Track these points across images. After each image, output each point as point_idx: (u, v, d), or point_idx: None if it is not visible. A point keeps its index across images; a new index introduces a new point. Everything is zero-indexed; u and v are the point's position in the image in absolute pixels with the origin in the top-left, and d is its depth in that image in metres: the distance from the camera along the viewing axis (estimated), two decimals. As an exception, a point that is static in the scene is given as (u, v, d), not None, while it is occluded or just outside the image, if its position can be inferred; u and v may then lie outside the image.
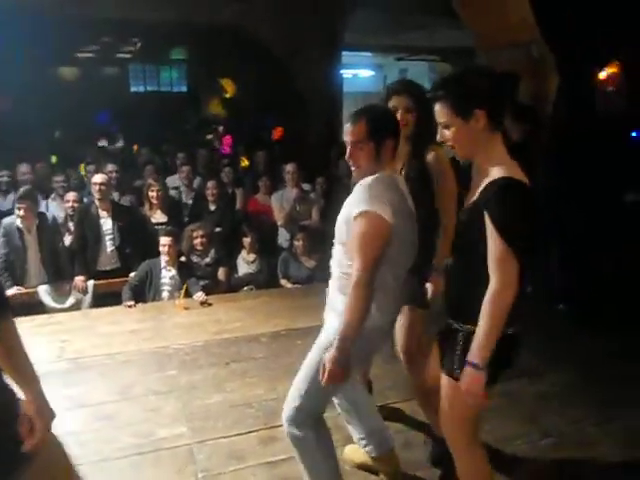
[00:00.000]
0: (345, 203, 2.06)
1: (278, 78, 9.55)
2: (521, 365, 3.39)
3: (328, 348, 1.98)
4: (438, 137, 1.88)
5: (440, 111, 1.81)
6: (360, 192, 1.97)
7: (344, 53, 10.77)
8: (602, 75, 6.88)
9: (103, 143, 11.20)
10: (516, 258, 1.69)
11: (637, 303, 4.17)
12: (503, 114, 1.83)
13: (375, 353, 2.24)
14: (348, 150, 2.07)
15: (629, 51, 6.41)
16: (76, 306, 4.88)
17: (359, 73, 16.26)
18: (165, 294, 4.82)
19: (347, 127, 2.05)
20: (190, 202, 6.01)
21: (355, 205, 1.95)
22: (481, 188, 1.78)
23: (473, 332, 1.78)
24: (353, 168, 2.09)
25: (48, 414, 1.50)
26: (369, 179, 2.00)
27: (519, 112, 4.24)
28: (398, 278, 2.07)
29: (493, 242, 1.71)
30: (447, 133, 1.82)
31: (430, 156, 2.44)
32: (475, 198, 1.81)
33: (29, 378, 1.41)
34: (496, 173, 1.75)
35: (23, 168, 6.05)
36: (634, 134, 5.84)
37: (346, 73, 13.83)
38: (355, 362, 2.00)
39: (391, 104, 2.46)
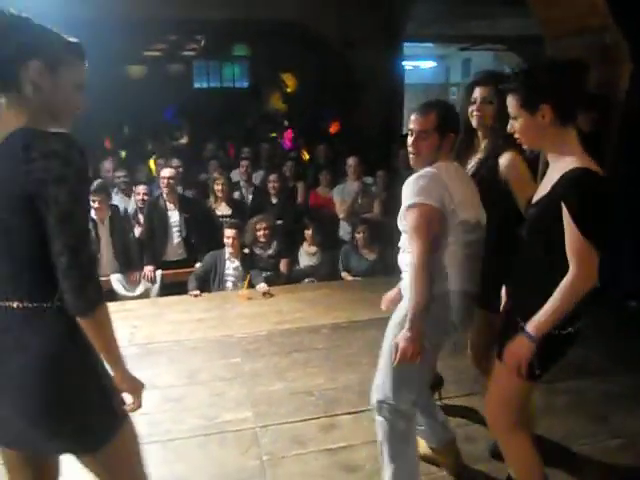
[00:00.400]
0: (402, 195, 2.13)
1: (338, 71, 9.57)
2: (590, 364, 3.38)
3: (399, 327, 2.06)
4: (509, 128, 1.89)
5: (510, 103, 1.85)
6: (409, 185, 2.07)
7: (405, 44, 10.67)
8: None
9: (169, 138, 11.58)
10: (596, 251, 1.69)
11: None
12: (573, 109, 1.81)
13: (445, 335, 2.22)
14: (412, 138, 2.14)
15: None
16: (145, 294, 5.10)
17: (421, 65, 16.08)
18: (229, 284, 4.97)
19: (415, 117, 2.14)
20: (250, 196, 6.14)
21: (406, 198, 2.07)
22: (554, 181, 1.77)
23: (561, 334, 1.81)
24: (412, 156, 2.16)
25: (139, 384, 1.62)
26: (420, 172, 2.09)
27: (588, 101, 4.10)
28: (469, 252, 2.11)
29: (572, 234, 1.70)
30: (516, 124, 1.85)
31: (503, 159, 2.33)
32: (547, 191, 1.80)
33: (117, 356, 1.52)
34: (570, 164, 1.73)
35: (106, 166, 6.35)
36: None
37: (407, 65, 13.69)
38: (427, 341, 2.03)
39: (474, 95, 2.43)
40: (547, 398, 3.05)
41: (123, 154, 8.89)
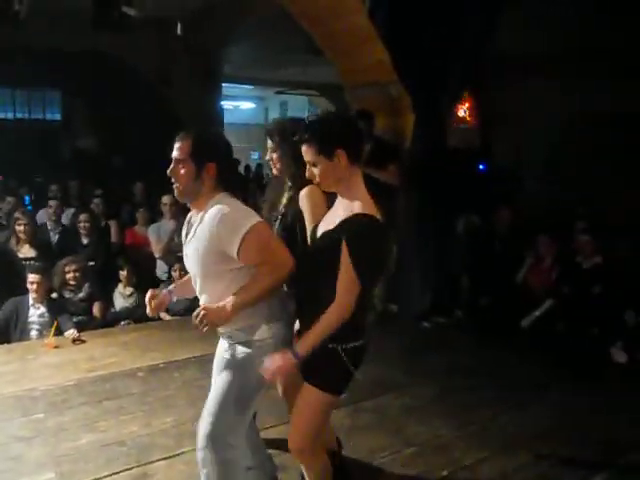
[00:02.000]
0: None
1: (155, 107, 9.45)
2: (390, 381, 3.73)
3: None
4: (307, 174, 2.06)
5: (307, 152, 2.02)
6: (225, 223, 2.03)
7: (225, 85, 10.94)
8: (460, 113, 7.64)
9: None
10: (360, 286, 1.93)
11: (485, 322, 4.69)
12: (361, 150, 2.06)
13: None
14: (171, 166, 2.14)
15: (480, 91, 7.20)
16: None
17: (240, 105, 16.53)
18: (34, 333, 4.57)
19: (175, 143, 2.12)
20: (56, 236, 5.76)
21: (232, 233, 2.02)
22: (341, 219, 1.97)
23: (347, 348, 2.00)
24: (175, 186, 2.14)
25: None
26: (219, 208, 2.05)
27: (379, 160, 4.51)
28: None
29: (346, 270, 1.91)
30: (315, 171, 2.02)
31: (302, 191, 2.47)
32: (333, 227, 1.99)
33: None
34: (356, 208, 1.95)
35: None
36: (481, 166, 6.56)
37: (227, 105, 13.99)
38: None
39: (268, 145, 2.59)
40: (353, 418, 3.30)
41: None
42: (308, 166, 2.05)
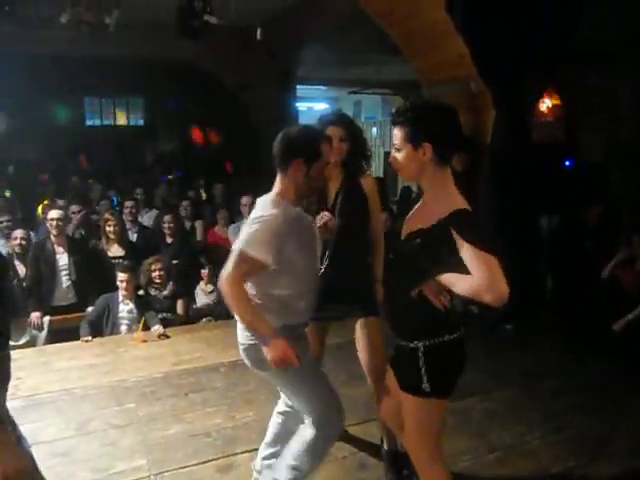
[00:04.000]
0: None
1: (234, 112, 9.73)
2: (473, 384, 3.64)
3: None
4: (390, 157, 2.05)
5: (396, 135, 1.98)
6: None
7: (299, 87, 11.08)
8: (542, 107, 7.34)
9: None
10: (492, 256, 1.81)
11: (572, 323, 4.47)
12: (451, 151, 2.00)
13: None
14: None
15: (566, 85, 6.89)
16: (31, 343, 4.82)
17: (314, 106, 16.67)
18: (123, 328, 4.82)
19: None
20: (135, 236, 6.04)
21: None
22: (441, 217, 1.88)
23: (430, 346, 1.95)
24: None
25: None
26: None
27: (463, 144, 4.55)
28: None
29: (469, 253, 1.80)
30: (397, 156, 1.98)
31: (363, 181, 2.73)
32: (430, 226, 1.91)
33: None
34: (453, 205, 1.89)
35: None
36: (567, 163, 6.26)
37: (301, 106, 14.16)
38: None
39: (327, 134, 2.61)
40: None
41: (7, 194, 8.41)
42: (393, 149, 2.01)
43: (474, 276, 1.80)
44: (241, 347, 2.36)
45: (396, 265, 2.10)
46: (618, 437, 3.10)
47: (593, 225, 5.18)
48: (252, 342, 2.24)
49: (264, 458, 2.57)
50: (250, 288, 2.21)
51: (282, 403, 2.59)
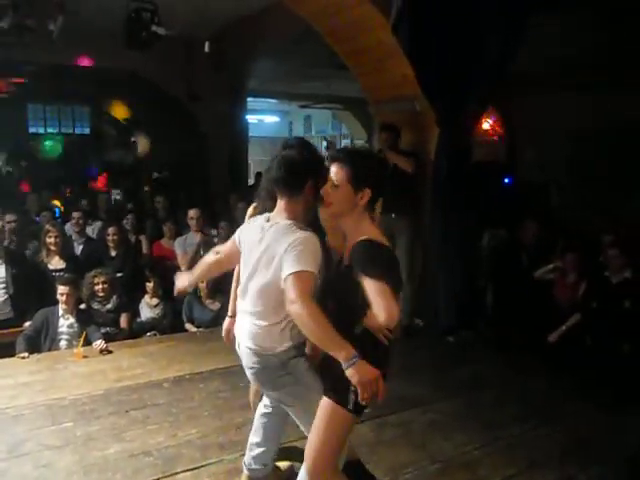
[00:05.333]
0: None
1: (182, 122, 9.64)
2: (416, 395, 3.72)
3: None
4: (323, 192, 2.13)
5: (336, 172, 2.10)
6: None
7: (249, 99, 11.08)
8: (484, 127, 7.62)
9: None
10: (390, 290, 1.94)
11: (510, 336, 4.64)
12: (378, 199, 2.14)
13: None
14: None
15: (506, 105, 7.18)
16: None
17: (265, 119, 16.73)
18: (63, 343, 4.66)
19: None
20: (80, 247, 5.89)
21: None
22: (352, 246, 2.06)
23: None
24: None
25: None
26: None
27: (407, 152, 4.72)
28: None
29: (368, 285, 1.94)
30: (331, 192, 2.10)
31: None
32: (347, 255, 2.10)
33: None
34: (362, 235, 2.05)
35: None
36: (507, 180, 6.53)
37: (252, 118, 14.17)
38: None
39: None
40: (377, 432, 3.29)
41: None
42: (329, 184, 2.10)
43: (371, 303, 1.92)
44: (252, 370, 2.29)
45: (334, 289, 2.18)
46: (554, 445, 3.22)
47: (528, 241, 5.40)
48: (263, 366, 2.23)
49: (255, 456, 2.63)
50: (274, 309, 2.19)
51: (262, 405, 2.63)
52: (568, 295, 4.89)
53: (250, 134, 11.63)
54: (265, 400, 2.61)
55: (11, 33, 5.44)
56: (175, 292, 2.79)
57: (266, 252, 2.18)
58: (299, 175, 2.17)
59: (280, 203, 2.24)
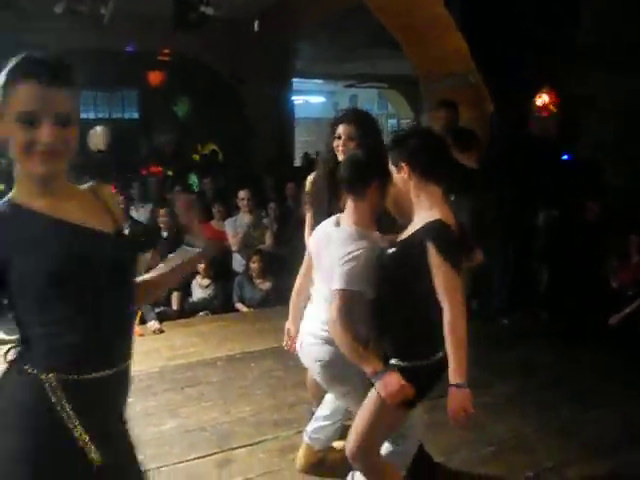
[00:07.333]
0: None
1: (230, 105, 9.69)
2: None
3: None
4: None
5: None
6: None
7: (295, 80, 11.05)
8: (538, 102, 7.33)
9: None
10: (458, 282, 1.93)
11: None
12: (429, 169, 2.06)
13: None
14: None
15: (562, 80, 6.87)
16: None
17: (310, 99, 16.65)
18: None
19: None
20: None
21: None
22: (415, 229, 2.01)
23: (406, 367, 2.02)
24: None
25: None
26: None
27: (463, 143, 4.50)
28: None
29: (439, 272, 1.90)
30: (394, 177, 2.13)
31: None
32: (406, 237, 2.04)
33: None
34: (429, 217, 1.98)
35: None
36: (565, 157, 6.26)
37: (298, 99, 14.13)
38: None
39: (338, 132, 2.58)
40: (431, 414, 3.24)
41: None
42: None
43: (445, 309, 1.91)
44: (319, 363, 2.29)
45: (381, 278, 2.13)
46: (610, 430, 3.12)
47: (589, 221, 5.18)
48: (334, 358, 2.21)
49: (318, 428, 2.66)
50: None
51: None
52: (631, 277, 4.69)
53: (295, 115, 11.61)
54: None
55: (64, 18, 5.55)
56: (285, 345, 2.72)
57: (330, 258, 2.18)
58: (361, 177, 2.17)
59: (348, 203, 2.24)
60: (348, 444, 2.17)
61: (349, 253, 2.07)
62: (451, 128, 4.55)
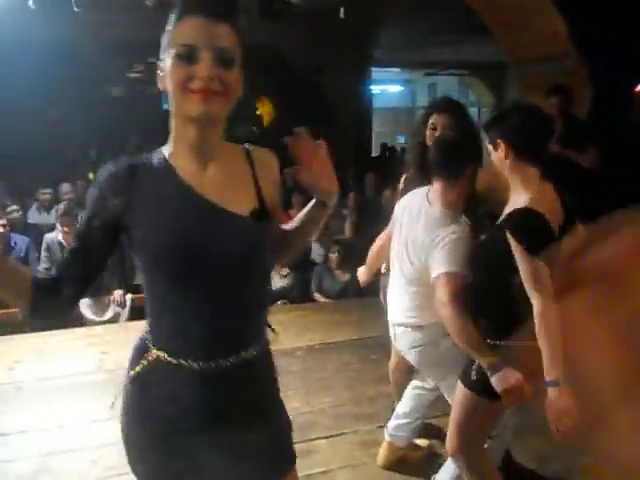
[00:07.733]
0: None
1: (309, 95, 9.69)
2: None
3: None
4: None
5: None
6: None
7: (373, 69, 10.90)
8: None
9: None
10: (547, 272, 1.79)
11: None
12: (528, 148, 1.91)
13: None
14: None
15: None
16: (114, 319, 5.00)
17: (388, 88, 16.40)
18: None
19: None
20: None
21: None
22: (505, 213, 1.91)
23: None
24: None
25: None
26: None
27: (582, 141, 4.10)
28: None
29: (522, 264, 1.80)
30: (492, 158, 2.00)
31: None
32: (498, 222, 1.94)
33: None
34: (517, 204, 1.86)
35: (64, 188, 6.29)
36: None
37: (375, 89, 13.96)
38: None
39: (432, 122, 2.49)
40: (522, 416, 3.08)
41: (91, 176, 8.75)
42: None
43: (532, 299, 1.80)
44: (415, 350, 2.28)
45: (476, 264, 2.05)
46: None
47: None
48: (427, 342, 2.21)
49: (398, 425, 2.61)
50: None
51: (419, 379, 2.61)
52: None
53: (373, 104, 11.48)
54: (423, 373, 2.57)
55: (156, 10, 5.69)
56: (361, 285, 2.78)
57: (416, 234, 2.13)
58: (456, 161, 2.10)
59: (436, 186, 2.15)
60: (447, 439, 2.12)
61: (447, 234, 2.02)
62: (564, 119, 4.05)
